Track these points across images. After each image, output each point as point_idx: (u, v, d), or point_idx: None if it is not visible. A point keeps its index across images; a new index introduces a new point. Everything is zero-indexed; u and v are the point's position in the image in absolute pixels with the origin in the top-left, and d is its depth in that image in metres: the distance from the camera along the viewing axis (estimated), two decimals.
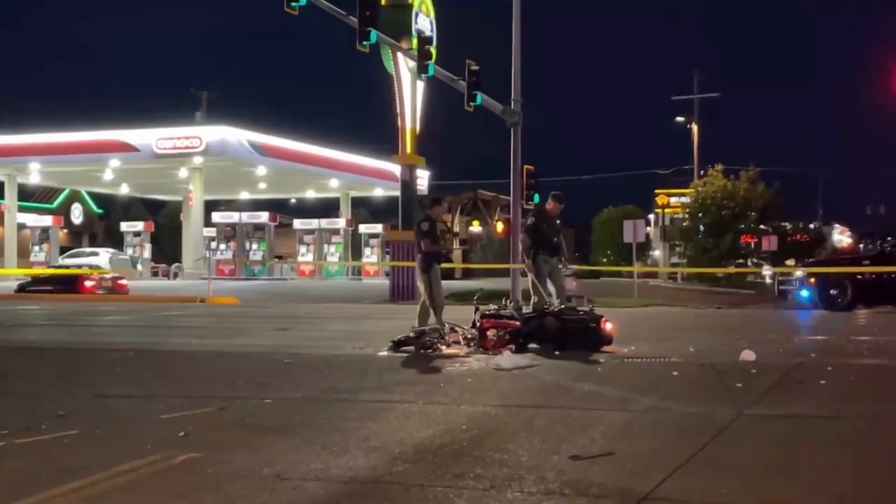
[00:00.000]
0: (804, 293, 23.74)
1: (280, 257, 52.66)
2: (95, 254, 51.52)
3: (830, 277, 23.25)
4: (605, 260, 67.41)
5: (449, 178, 71.17)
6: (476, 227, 68.14)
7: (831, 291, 22.98)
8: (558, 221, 16.15)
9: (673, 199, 70.86)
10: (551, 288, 15.48)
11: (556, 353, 11.62)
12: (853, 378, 9.30)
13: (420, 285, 14.06)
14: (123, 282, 35.03)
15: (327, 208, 61.42)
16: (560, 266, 15.75)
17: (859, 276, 23.01)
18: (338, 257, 52.64)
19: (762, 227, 54.01)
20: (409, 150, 31.24)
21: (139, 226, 55.56)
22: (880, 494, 5.14)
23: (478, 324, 12.28)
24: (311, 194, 61.63)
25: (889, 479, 5.42)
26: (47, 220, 54.01)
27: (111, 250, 52.70)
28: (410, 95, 31.04)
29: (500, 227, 41.37)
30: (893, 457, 5.97)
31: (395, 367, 10.54)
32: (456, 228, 63.84)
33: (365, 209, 69.38)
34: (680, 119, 59.29)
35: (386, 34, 25.36)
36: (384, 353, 11.82)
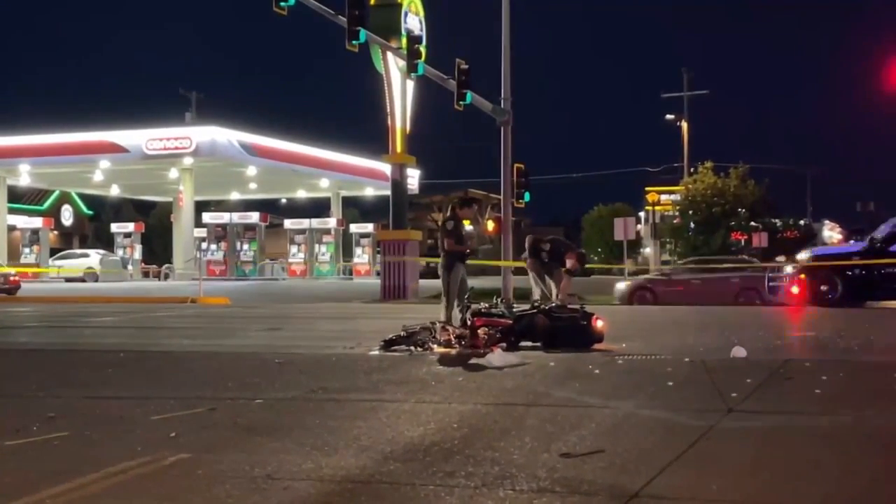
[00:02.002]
0: (794, 289, 23.79)
1: (271, 258, 52.61)
2: (86, 255, 51.46)
3: (820, 273, 23.31)
4: (595, 258, 67.49)
5: (439, 176, 71.31)
6: (467, 226, 68.22)
7: (821, 287, 23.03)
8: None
9: (663, 197, 71.01)
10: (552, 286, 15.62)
11: (547, 351, 11.64)
12: (843, 374, 9.32)
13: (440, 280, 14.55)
14: (15, 277, 36.14)
15: (318, 208, 61.41)
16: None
17: (849, 272, 23.08)
18: (329, 257, 52.63)
19: (752, 223, 54.15)
20: (399, 149, 31.25)
21: (129, 227, 55.54)
22: (868, 490, 5.15)
23: (469, 322, 12.28)
24: (301, 194, 61.59)
25: (876, 476, 5.44)
26: (37, 222, 53.93)
27: (101, 251, 52.63)
28: (400, 95, 31.04)
29: (490, 225, 41.39)
30: (881, 453, 5.99)
31: (386, 366, 10.52)
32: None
33: (356, 209, 69.44)
34: (670, 117, 59.38)
35: (375, 33, 25.37)
36: (375, 353, 11.81)
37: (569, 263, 16.05)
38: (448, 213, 15.60)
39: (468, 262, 15.25)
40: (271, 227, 54.03)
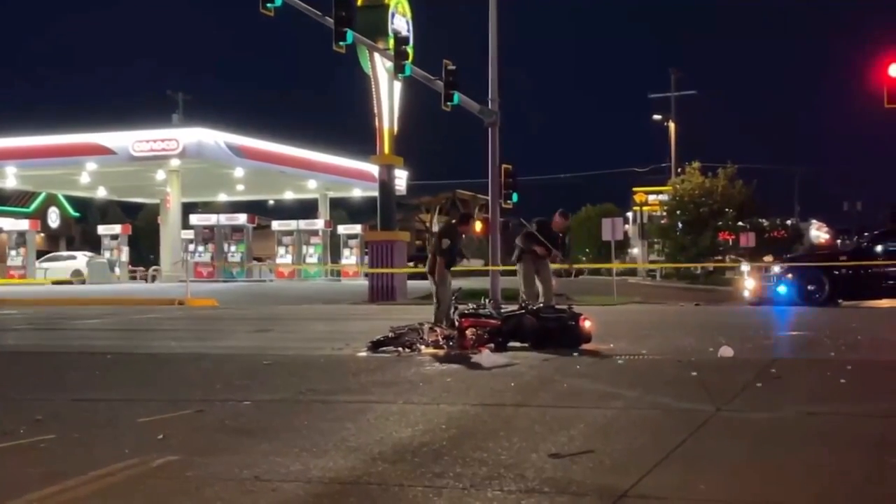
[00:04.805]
0: (782, 289, 23.83)
1: (259, 259, 52.44)
2: (73, 257, 51.27)
3: (807, 273, 23.39)
4: (583, 258, 67.59)
5: (427, 177, 71.27)
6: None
7: (809, 287, 23.10)
8: (563, 236, 16.43)
9: (651, 197, 71.22)
10: (539, 288, 15.61)
11: (536, 351, 11.64)
12: (830, 373, 9.34)
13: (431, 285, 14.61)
14: None
15: (306, 209, 61.28)
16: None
17: (836, 272, 23.17)
18: (317, 258, 52.53)
19: (740, 223, 54.27)
20: (386, 150, 31.23)
21: (116, 229, 55.29)
22: (858, 489, 5.17)
23: (457, 323, 12.28)
24: (289, 195, 61.46)
25: (866, 475, 5.45)
26: (24, 224, 53.65)
27: (88, 254, 52.43)
28: (388, 96, 31.02)
29: (478, 226, 41.37)
30: (871, 452, 6.00)
31: (374, 367, 10.52)
32: (435, 228, 63.88)
33: (343, 210, 69.33)
34: (657, 117, 59.49)
35: (362, 34, 25.32)
36: (363, 354, 11.80)
37: (557, 219, 16.11)
38: (445, 227, 15.76)
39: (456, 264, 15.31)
40: (259, 229, 53.85)
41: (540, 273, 15.81)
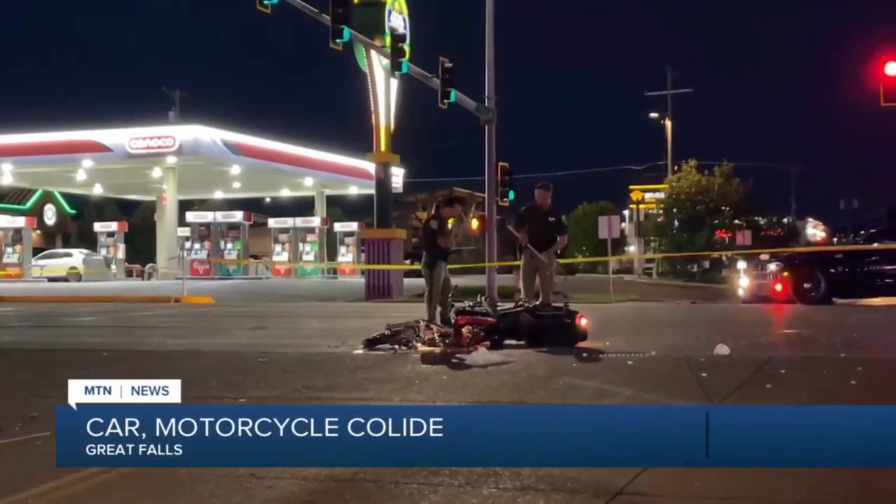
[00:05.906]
0: (777, 287, 23.84)
1: (255, 257, 52.45)
2: (69, 255, 51.24)
3: (803, 271, 23.40)
4: (579, 256, 67.59)
5: (424, 175, 71.33)
6: (450, 225, 68.20)
7: (805, 285, 23.10)
8: (549, 216, 15.38)
9: (647, 195, 71.26)
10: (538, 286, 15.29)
11: (532, 349, 11.64)
12: (826, 371, 9.35)
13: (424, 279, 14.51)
14: None
15: (302, 207, 61.30)
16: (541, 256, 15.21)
17: (832, 270, 23.18)
18: (313, 256, 52.57)
19: (736, 221, 54.33)
20: (383, 147, 31.24)
21: (113, 226, 55.32)
22: (851, 485, 5.17)
23: (453, 320, 12.28)
24: (285, 193, 61.49)
25: (861, 472, 5.45)
26: (20, 222, 53.62)
27: (85, 251, 52.38)
28: (384, 93, 31.03)
29: (475, 224, 41.37)
30: None
31: (370, 364, 10.52)
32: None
33: (340, 207, 69.38)
34: (654, 115, 59.53)
35: (359, 32, 25.31)
36: (359, 351, 11.80)
37: (537, 195, 15.39)
38: (432, 213, 15.59)
39: (451, 259, 15.18)
40: (255, 227, 53.89)
41: (540, 270, 15.59)
